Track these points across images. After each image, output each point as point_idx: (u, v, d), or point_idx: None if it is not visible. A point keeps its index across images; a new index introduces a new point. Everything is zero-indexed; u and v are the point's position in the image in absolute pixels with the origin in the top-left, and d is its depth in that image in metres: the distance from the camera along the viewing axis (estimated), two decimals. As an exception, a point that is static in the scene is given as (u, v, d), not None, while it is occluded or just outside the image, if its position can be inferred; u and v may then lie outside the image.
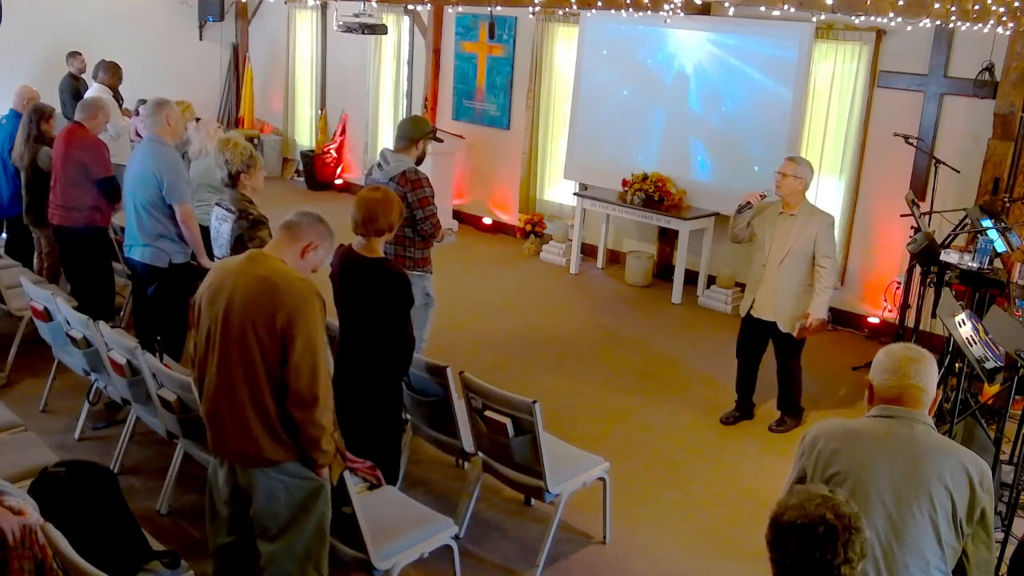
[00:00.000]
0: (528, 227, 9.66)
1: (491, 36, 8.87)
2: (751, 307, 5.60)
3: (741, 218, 5.57)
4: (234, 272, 3.20)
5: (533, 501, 4.70)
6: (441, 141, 5.71)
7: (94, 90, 8.46)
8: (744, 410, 5.92)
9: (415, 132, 5.22)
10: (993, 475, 3.30)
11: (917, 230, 6.25)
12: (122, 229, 5.84)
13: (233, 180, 4.65)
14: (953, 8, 5.76)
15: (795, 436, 2.91)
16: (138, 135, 7.76)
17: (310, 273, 3.29)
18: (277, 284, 3.11)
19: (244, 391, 3.14)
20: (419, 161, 5.27)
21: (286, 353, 3.09)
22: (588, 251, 9.34)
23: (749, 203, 5.53)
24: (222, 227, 4.62)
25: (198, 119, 6.51)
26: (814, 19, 7.28)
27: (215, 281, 3.24)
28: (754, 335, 5.69)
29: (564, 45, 9.52)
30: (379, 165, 5.25)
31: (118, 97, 8.91)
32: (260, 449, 3.16)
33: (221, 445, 3.28)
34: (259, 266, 3.18)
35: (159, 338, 5.42)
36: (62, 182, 5.86)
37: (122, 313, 6.63)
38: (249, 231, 4.50)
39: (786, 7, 6.73)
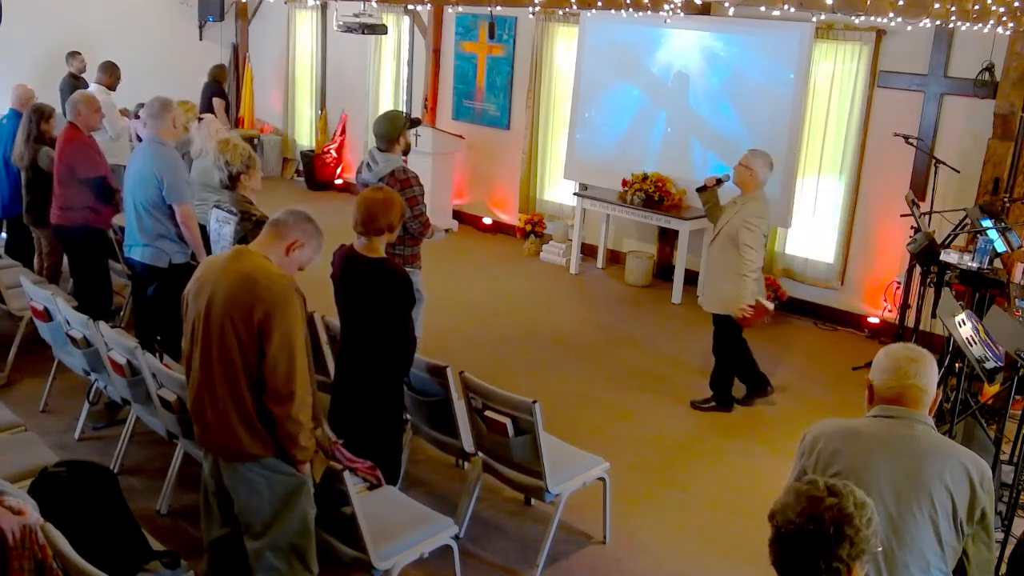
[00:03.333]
0: (528, 227, 9.66)
1: (491, 36, 8.87)
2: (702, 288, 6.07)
3: (702, 199, 6.04)
4: (219, 268, 3.24)
5: (533, 501, 4.70)
6: (419, 122, 5.72)
7: (92, 90, 8.45)
8: (753, 389, 6.17)
9: (392, 130, 5.25)
10: (993, 475, 3.29)
11: (917, 230, 6.25)
12: (122, 229, 5.84)
13: (233, 181, 4.64)
14: (953, 8, 5.76)
15: (795, 434, 2.91)
16: (138, 138, 7.77)
17: (296, 271, 3.31)
18: (257, 280, 3.13)
19: (224, 386, 3.17)
20: (406, 152, 5.30)
21: (263, 348, 3.10)
22: (588, 251, 9.34)
23: (705, 185, 5.98)
24: (223, 229, 4.61)
25: (200, 118, 6.51)
26: (814, 19, 7.28)
27: (200, 277, 3.30)
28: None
29: (564, 45, 9.52)
30: (368, 165, 5.27)
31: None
32: (240, 444, 3.18)
33: (206, 439, 3.31)
34: (242, 262, 3.20)
35: (159, 338, 5.42)
36: (57, 182, 5.91)
37: (122, 313, 6.63)
38: (253, 232, 4.49)
39: (786, 7, 6.73)
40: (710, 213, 6.05)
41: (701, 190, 6.02)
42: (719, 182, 5.94)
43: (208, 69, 11.31)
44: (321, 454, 3.37)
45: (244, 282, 3.13)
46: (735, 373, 6.06)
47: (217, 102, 11.05)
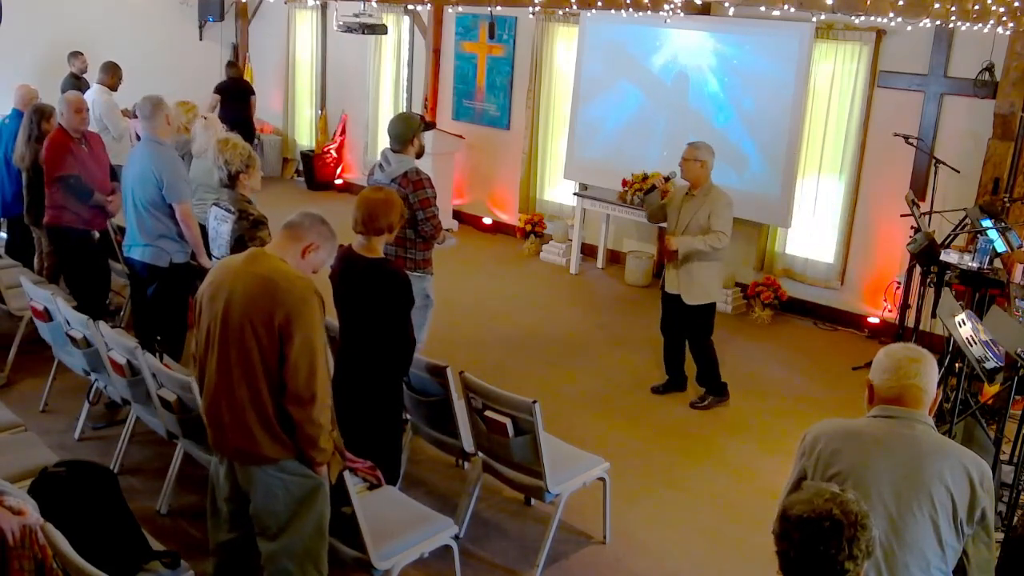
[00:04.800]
0: (528, 227, 9.66)
1: (491, 36, 8.88)
2: (663, 282, 6.00)
3: (648, 200, 6.04)
4: (234, 271, 3.21)
5: (533, 501, 4.70)
6: (433, 126, 5.73)
7: (94, 91, 8.47)
8: (675, 383, 6.25)
9: (406, 131, 5.23)
10: (993, 475, 3.30)
11: (917, 230, 6.25)
12: (123, 229, 5.84)
13: (232, 180, 4.65)
14: (953, 8, 5.77)
15: (796, 434, 2.91)
16: (138, 138, 7.77)
17: (311, 274, 3.30)
18: (276, 283, 3.11)
19: (243, 389, 3.15)
20: (419, 155, 5.29)
21: (284, 351, 3.09)
22: (588, 251, 9.34)
23: (654, 186, 5.99)
24: (221, 228, 4.62)
25: (205, 117, 6.52)
26: (814, 19, 7.28)
27: (216, 279, 3.25)
28: (670, 310, 6.01)
29: (564, 45, 9.53)
30: (380, 166, 5.25)
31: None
32: (258, 447, 3.17)
33: (221, 442, 3.29)
34: (259, 265, 3.18)
35: (159, 338, 5.42)
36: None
37: (122, 313, 6.63)
38: (250, 231, 4.50)
39: (786, 7, 6.74)
40: (655, 213, 6.03)
41: (650, 191, 6.01)
42: (667, 180, 5.96)
43: (224, 69, 11.43)
44: (337, 456, 3.37)
45: (263, 285, 3.12)
46: (711, 360, 6.07)
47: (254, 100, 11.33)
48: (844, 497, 2.02)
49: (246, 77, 12.49)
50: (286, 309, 3.08)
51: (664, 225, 6.10)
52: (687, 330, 6.00)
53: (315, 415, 3.13)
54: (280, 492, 3.23)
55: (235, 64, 11.78)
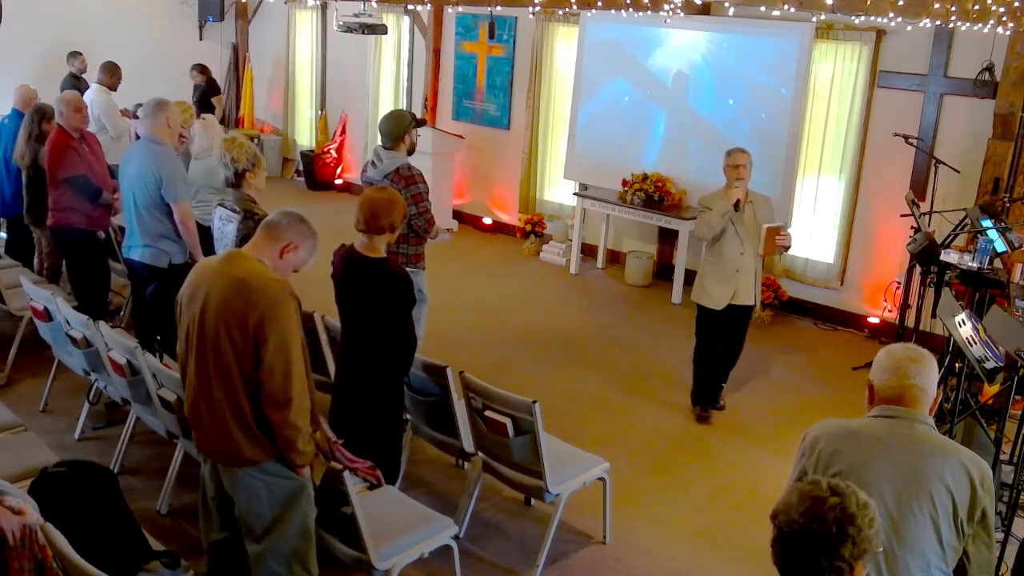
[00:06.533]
0: (528, 227, 9.66)
1: (491, 36, 8.88)
2: (732, 296, 5.70)
3: (726, 217, 5.56)
4: (211, 272, 3.19)
5: (533, 501, 4.70)
6: (424, 123, 5.71)
7: (93, 91, 8.47)
8: (712, 400, 6.03)
9: (398, 129, 5.25)
10: (993, 475, 3.29)
11: (917, 230, 6.25)
12: (123, 230, 5.83)
13: (238, 179, 4.64)
14: (953, 8, 5.76)
15: (796, 434, 2.91)
16: (138, 138, 7.76)
17: (291, 274, 3.26)
18: (251, 284, 3.08)
19: (220, 392, 3.13)
20: (411, 152, 5.30)
21: (259, 354, 3.06)
22: (588, 251, 9.34)
23: (739, 200, 5.56)
24: (226, 228, 4.62)
25: (203, 117, 6.52)
26: (814, 19, 7.28)
27: (194, 281, 3.25)
28: (717, 325, 5.83)
29: (564, 45, 9.53)
30: (373, 163, 5.27)
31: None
32: (238, 449, 3.16)
33: (203, 444, 3.29)
34: (235, 266, 3.16)
35: (159, 338, 5.42)
36: (47, 183, 5.95)
37: (122, 313, 6.63)
38: (255, 231, 4.49)
39: (786, 7, 6.73)
40: (717, 227, 5.58)
41: (736, 206, 5.54)
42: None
43: (197, 73, 11.33)
44: (321, 457, 3.35)
45: (237, 287, 3.09)
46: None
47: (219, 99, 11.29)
48: (841, 488, 2.00)
49: (246, 78, 12.51)
50: (260, 311, 3.04)
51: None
52: (741, 335, 5.96)
53: (292, 418, 3.10)
54: (263, 494, 3.22)
55: (205, 67, 11.54)
